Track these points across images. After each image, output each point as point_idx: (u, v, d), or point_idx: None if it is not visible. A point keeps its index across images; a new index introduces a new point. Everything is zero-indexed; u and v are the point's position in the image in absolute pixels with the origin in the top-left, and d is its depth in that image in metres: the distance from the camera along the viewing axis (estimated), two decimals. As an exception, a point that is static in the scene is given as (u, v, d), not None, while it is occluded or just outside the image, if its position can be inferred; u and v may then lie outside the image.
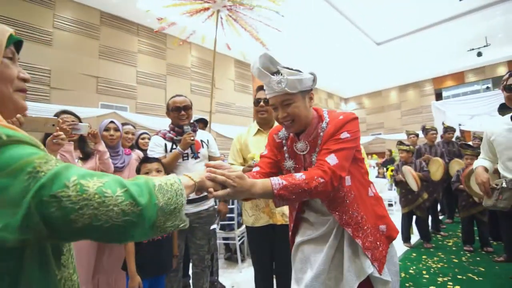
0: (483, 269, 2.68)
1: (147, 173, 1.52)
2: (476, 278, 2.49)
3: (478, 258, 3.00)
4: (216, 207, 2.03)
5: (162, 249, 1.51)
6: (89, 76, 6.69)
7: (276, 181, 0.91)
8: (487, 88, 11.35)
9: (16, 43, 0.60)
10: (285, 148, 1.16)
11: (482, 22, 7.94)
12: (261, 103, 1.75)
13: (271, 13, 3.44)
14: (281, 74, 1.02)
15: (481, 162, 1.70)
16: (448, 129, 4.55)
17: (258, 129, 1.80)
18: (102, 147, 1.69)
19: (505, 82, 1.53)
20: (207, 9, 3.22)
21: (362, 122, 14.88)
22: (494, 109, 8.39)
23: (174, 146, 1.82)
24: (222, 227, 2.73)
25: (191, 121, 2.01)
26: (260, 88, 1.77)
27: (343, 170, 0.98)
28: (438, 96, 12.54)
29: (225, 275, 2.73)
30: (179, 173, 1.76)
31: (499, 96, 8.39)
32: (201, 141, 1.93)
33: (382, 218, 1.10)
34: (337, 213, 1.04)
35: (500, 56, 10.55)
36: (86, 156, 1.67)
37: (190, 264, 2.06)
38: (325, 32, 8.47)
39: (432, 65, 11.51)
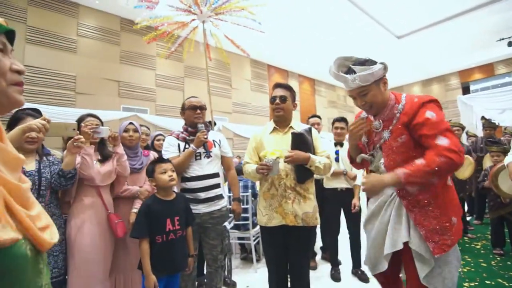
0: (514, 274, 2.52)
1: (163, 172, 1.55)
2: (507, 284, 2.33)
3: (509, 263, 2.81)
4: (229, 207, 2.03)
5: (176, 248, 1.54)
6: (111, 80, 6.98)
7: (401, 172, 1.10)
8: (520, 80, 10.58)
9: (8, 34, 0.55)
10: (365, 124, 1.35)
11: (510, 10, 7.41)
12: (277, 100, 1.69)
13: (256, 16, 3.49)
14: (354, 72, 1.20)
15: None
16: (486, 125, 4.30)
17: (274, 127, 1.76)
18: (120, 149, 1.75)
19: None
20: (193, 20, 3.34)
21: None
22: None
23: (187, 146, 1.85)
24: (237, 227, 2.76)
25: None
26: (276, 86, 1.74)
27: (457, 145, 1.09)
28: (465, 90, 11.85)
29: (241, 275, 2.75)
30: (191, 172, 1.81)
31: (533, 88, 7.79)
32: (213, 141, 1.96)
33: (454, 212, 1.20)
34: (408, 197, 1.20)
35: (534, 45, 9.79)
36: (104, 158, 1.74)
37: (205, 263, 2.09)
38: (345, 28, 8.30)
39: (458, 57, 10.90)
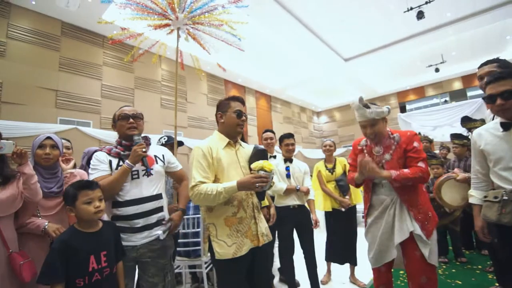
0: (460, 282, 2.63)
1: (88, 202, 1.25)
2: (455, 293, 2.43)
3: (453, 270, 2.97)
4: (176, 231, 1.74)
5: (104, 291, 1.23)
6: (47, 89, 6.17)
7: (394, 173, 1.61)
8: (445, 101, 12.18)
9: None
10: (365, 151, 1.84)
11: (437, 40, 8.57)
12: (243, 117, 1.57)
13: (236, 32, 3.36)
14: (370, 108, 1.71)
15: (474, 196, 1.56)
16: (423, 139, 4.66)
17: (229, 142, 1.56)
18: (28, 169, 1.37)
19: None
20: (168, 25, 3.06)
21: (334, 134, 15.26)
22: (454, 120, 8.99)
23: (121, 163, 1.54)
24: (187, 254, 2.46)
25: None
26: (241, 101, 1.61)
27: (427, 170, 1.64)
28: (403, 109, 13.27)
29: (193, 307, 2.43)
30: (126, 194, 1.49)
31: (458, 109, 9.00)
32: (155, 156, 1.68)
33: (430, 208, 1.71)
34: (406, 196, 1.67)
35: (455, 72, 11.44)
36: (5, 180, 1.35)
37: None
38: (298, 48, 8.70)
39: (396, 80, 12.22)
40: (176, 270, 2.56)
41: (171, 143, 2.73)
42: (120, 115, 1.62)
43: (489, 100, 1.42)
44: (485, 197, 1.43)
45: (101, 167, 1.51)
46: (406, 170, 1.61)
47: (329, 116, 16.14)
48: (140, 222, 1.49)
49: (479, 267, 3.00)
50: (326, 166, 3.01)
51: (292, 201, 2.51)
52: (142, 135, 1.68)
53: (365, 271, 2.85)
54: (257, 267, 1.51)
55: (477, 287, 2.54)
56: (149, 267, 1.51)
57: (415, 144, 1.66)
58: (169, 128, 8.41)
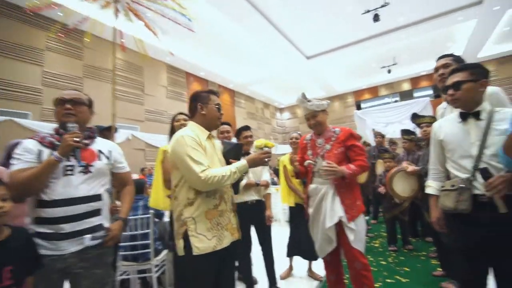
0: (408, 269, 2.81)
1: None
2: (403, 280, 2.57)
3: (402, 258, 3.17)
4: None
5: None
6: (-29, 75, 5.30)
7: (346, 172, 1.78)
8: (396, 101, 13.14)
9: None
10: (308, 145, 2.06)
11: (390, 43, 9.17)
12: (222, 111, 1.58)
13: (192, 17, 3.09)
14: (311, 101, 1.95)
15: (432, 186, 1.60)
16: (377, 134, 5.02)
17: (209, 134, 1.54)
18: None
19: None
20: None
21: (296, 130, 15.64)
22: (403, 118, 9.75)
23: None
24: (135, 258, 2.24)
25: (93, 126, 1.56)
26: (215, 93, 1.58)
27: (366, 160, 1.90)
28: (358, 107, 13.95)
29: (144, 315, 2.23)
30: (54, 193, 1.26)
31: (406, 107, 9.75)
32: (100, 151, 1.46)
33: (359, 198, 1.90)
34: (339, 184, 1.85)
35: (404, 74, 12.40)
36: None
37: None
38: (262, 44, 8.64)
39: (353, 79, 12.87)
40: (123, 277, 2.33)
41: (102, 131, 2.40)
42: (57, 99, 1.39)
43: (444, 91, 1.48)
44: (443, 187, 1.47)
45: (26, 157, 1.26)
46: (353, 167, 1.82)
47: (292, 113, 16.49)
48: (67, 228, 1.26)
49: (424, 253, 3.25)
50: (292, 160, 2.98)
51: (251, 196, 2.43)
52: (92, 125, 1.48)
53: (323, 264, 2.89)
54: (227, 264, 1.47)
55: (422, 272, 2.72)
56: (82, 280, 1.29)
57: (358, 142, 1.94)
58: (124, 122, 7.82)
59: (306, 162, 1.99)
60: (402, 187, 2.73)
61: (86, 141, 1.43)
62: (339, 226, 1.81)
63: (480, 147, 1.33)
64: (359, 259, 1.76)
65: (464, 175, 1.37)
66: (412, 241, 3.63)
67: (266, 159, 1.50)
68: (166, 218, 2.62)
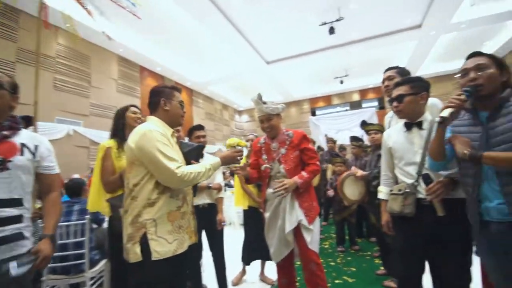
0: (354, 269, 2.96)
1: None
2: (350, 280, 2.69)
3: (349, 258, 3.34)
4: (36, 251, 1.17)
5: None
6: None
7: (299, 181, 1.80)
8: (346, 110, 14.13)
9: None
10: (263, 149, 2.00)
11: (344, 56, 9.81)
12: (185, 109, 1.54)
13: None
14: (266, 103, 1.90)
15: (382, 191, 1.68)
16: (329, 140, 5.27)
17: (173, 132, 1.47)
18: None
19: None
20: None
21: (252, 132, 15.74)
22: (353, 126, 10.50)
23: None
24: (66, 270, 1.93)
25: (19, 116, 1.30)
26: (178, 90, 1.53)
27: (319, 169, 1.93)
28: (313, 114, 14.76)
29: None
30: None
31: (356, 116, 10.53)
32: (23, 145, 1.22)
33: (314, 199, 1.92)
34: (295, 189, 1.83)
35: (355, 86, 13.38)
36: None
37: None
38: (222, 44, 8.53)
39: (309, 87, 13.48)
40: (51, 292, 2.01)
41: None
42: None
43: (390, 103, 1.60)
44: (391, 191, 1.55)
45: None
46: (305, 175, 1.84)
47: (250, 116, 16.59)
48: None
49: (369, 253, 3.46)
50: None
51: (202, 200, 2.32)
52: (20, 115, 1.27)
53: (275, 268, 2.88)
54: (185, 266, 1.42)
55: (367, 271, 2.89)
56: None
57: (311, 145, 1.95)
58: (65, 115, 7.00)
59: (263, 167, 1.95)
60: (351, 191, 2.87)
61: (6, 132, 1.19)
62: (296, 229, 1.83)
63: (423, 154, 1.44)
64: (314, 260, 1.79)
65: (409, 181, 1.47)
66: (358, 242, 3.85)
67: (239, 158, 1.53)
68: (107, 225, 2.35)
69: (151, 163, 1.26)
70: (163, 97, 1.44)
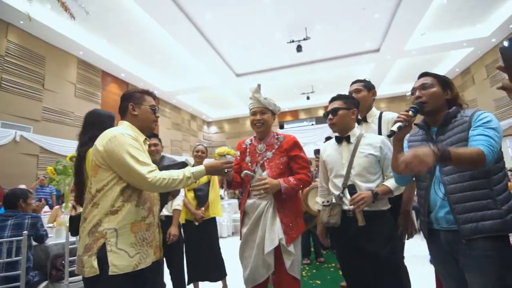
0: (319, 282, 2.96)
1: None
2: (314, 293, 2.69)
3: (314, 270, 3.34)
4: None
5: None
6: None
7: (283, 186, 1.55)
8: (312, 124, 14.70)
9: None
10: (247, 150, 1.77)
11: (310, 73, 10.27)
12: (158, 114, 1.48)
13: None
14: (266, 98, 1.73)
15: (318, 202, 1.75)
16: None
17: (145, 139, 1.40)
18: None
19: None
20: None
21: (222, 145, 15.58)
22: (318, 139, 10.91)
23: None
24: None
25: None
26: (150, 94, 1.47)
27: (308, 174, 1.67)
28: (281, 128, 15.12)
29: None
30: None
31: (320, 130, 10.98)
32: None
33: (300, 215, 1.67)
34: (280, 199, 1.58)
35: (320, 102, 13.97)
36: None
37: None
38: (192, 55, 8.48)
39: (278, 102, 13.63)
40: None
41: None
42: None
43: (325, 116, 1.70)
44: (323, 202, 1.61)
45: None
46: (292, 180, 1.57)
47: (219, 127, 16.45)
48: None
49: (333, 264, 3.50)
50: None
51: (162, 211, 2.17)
52: None
53: (236, 285, 2.76)
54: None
55: (332, 283, 2.91)
56: None
57: (303, 154, 1.69)
58: (12, 120, 6.31)
59: (243, 173, 1.68)
60: (314, 203, 2.91)
61: None
62: (277, 249, 1.54)
63: (348, 167, 1.52)
64: (294, 286, 1.53)
65: (337, 192, 1.55)
66: (323, 254, 3.89)
67: (226, 170, 1.40)
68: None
69: (121, 167, 1.19)
70: (131, 102, 1.39)
